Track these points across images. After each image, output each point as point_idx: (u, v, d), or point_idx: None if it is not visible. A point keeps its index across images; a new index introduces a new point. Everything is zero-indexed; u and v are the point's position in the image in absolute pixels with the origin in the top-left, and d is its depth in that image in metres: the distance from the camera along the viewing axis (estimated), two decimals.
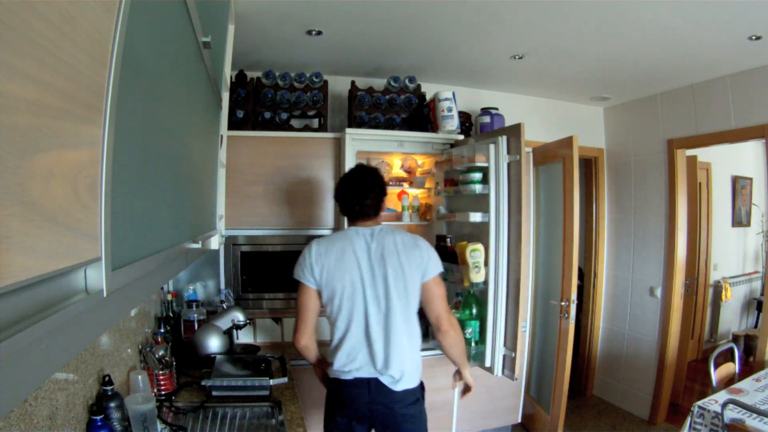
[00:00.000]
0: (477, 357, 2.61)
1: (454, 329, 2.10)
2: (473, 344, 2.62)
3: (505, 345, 2.52)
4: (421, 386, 2.11)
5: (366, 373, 1.98)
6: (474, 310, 2.67)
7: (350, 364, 1.99)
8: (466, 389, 2.24)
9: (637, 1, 2.35)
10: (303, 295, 2.05)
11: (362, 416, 2.00)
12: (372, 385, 1.97)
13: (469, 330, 2.64)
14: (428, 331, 3.16)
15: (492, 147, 2.58)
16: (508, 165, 2.56)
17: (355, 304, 1.99)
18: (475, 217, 2.69)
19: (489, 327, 2.54)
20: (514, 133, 2.52)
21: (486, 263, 2.60)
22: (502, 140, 2.56)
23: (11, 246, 0.36)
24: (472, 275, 2.58)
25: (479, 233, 2.72)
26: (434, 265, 2.06)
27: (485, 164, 2.63)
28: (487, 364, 2.54)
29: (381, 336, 1.98)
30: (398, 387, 1.97)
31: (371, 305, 1.98)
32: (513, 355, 2.45)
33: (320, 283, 2.02)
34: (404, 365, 1.98)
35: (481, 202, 2.71)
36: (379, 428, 2.03)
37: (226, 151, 2.53)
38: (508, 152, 2.56)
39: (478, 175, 2.72)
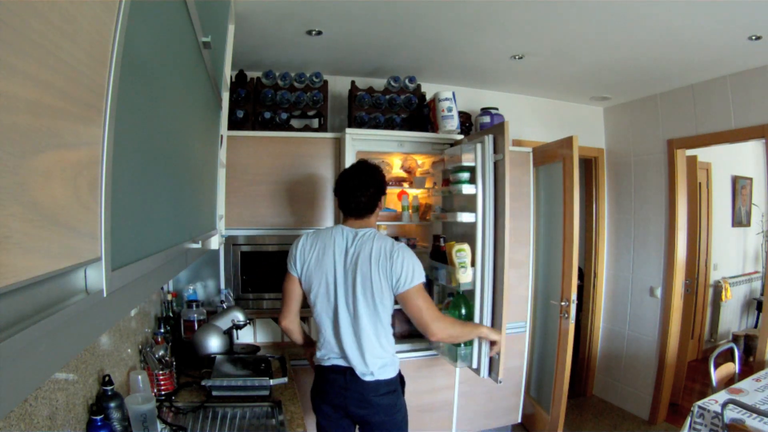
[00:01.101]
0: (465, 358, 2.62)
1: (442, 333, 2.08)
2: (462, 345, 2.62)
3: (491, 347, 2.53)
4: (400, 379, 2.16)
5: (342, 362, 2.06)
6: (463, 311, 2.67)
7: (328, 353, 2.09)
8: (494, 345, 2.41)
9: (637, 2, 2.35)
10: (287, 282, 2.18)
11: (339, 404, 2.07)
12: (347, 373, 2.05)
13: None
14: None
15: (479, 146, 2.58)
16: (495, 164, 2.56)
17: (328, 303, 2.07)
18: (462, 217, 2.68)
19: None
20: (500, 132, 2.52)
21: (473, 264, 2.60)
22: (489, 139, 2.56)
23: (11, 246, 0.36)
24: (458, 275, 2.59)
25: (471, 233, 2.72)
26: (408, 278, 2.01)
27: (472, 164, 2.63)
28: (474, 365, 2.56)
29: (350, 337, 2.04)
30: (369, 379, 2.03)
31: (341, 308, 2.05)
32: (497, 357, 2.46)
33: (301, 276, 2.12)
34: (372, 365, 2.03)
35: (470, 202, 2.71)
36: (355, 416, 2.09)
37: (226, 151, 2.53)
38: (495, 151, 2.56)
39: (465, 175, 2.71)
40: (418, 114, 3.37)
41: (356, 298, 2.02)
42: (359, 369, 2.03)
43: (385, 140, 3.13)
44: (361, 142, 3.05)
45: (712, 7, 2.38)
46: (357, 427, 2.14)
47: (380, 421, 2.05)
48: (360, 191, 2.09)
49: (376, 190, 2.12)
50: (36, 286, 0.40)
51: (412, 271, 2.02)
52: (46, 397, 1.14)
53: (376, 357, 2.04)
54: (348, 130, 2.99)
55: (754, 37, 2.73)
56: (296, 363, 2.83)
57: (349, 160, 2.95)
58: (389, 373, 2.07)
